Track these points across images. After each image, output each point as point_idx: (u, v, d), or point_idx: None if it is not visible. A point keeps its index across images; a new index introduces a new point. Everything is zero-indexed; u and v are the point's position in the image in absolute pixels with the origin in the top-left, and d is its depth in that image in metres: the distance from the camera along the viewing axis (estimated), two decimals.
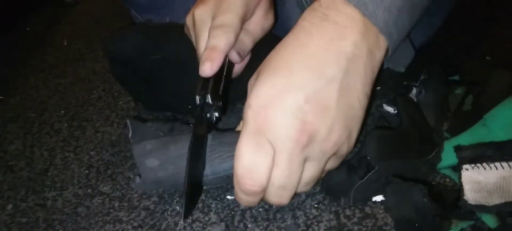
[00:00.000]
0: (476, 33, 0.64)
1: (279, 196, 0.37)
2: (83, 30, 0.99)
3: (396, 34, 0.37)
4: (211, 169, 0.43)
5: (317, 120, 0.34)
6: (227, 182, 0.43)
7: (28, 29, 1.04)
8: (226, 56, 0.46)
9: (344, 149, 0.38)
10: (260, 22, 0.49)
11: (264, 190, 0.36)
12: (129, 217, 0.50)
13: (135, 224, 0.49)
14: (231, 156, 0.40)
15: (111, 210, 0.51)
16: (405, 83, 0.54)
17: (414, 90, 0.53)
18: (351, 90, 0.36)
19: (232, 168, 0.38)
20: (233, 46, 0.44)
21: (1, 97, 0.77)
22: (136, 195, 0.53)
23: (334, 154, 0.37)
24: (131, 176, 0.55)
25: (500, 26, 0.65)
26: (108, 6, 1.08)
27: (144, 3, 0.67)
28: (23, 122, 0.70)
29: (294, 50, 0.36)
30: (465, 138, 0.46)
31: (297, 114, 0.34)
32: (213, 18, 0.45)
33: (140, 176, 0.45)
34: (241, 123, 0.40)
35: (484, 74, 0.52)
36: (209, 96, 0.42)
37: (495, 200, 0.41)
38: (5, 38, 1.00)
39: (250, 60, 0.53)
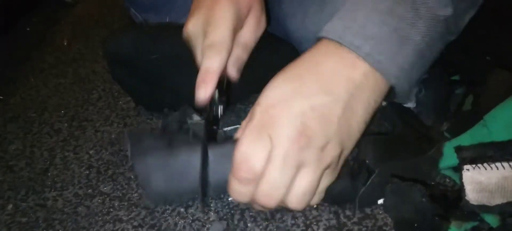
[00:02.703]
0: (476, 33, 0.64)
1: (267, 195, 0.38)
2: (83, 30, 0.99)
3: (407, 86, 0.40)
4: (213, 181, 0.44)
5: (317, 128, 0.36)
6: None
7: (28, 29, 1.04)
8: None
9: (334, 165, 0.39)
10: (253, 31, 0.50)
11: (256, 181, 0.37)
12: (129, 217, 0.50)
13: (135, 223, 0.49)
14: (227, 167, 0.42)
15: (111, 210, 0.51)
16: None
17: (414, 90, 0.53)
18: (353, 113, 0.38)
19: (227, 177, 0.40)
20: (226, 63, 0.46)
21: (1, 97, 0.77)
22: (136, 195, 0.53)
23: (328, 167, 0.39)
24: (132, 177, 0.55)
25: (500, 26, 0.65)
26: (108, 6, 1.08)
27: (144, 2, 0.67)
28: (23, 122, 0.70)
29: (308, 66, 0.39)
30: (466, 138, 0.46)
31: (300, 118, 0.36)
32: (204, 33, 0.46)
33: (147, 194, 0.45)
34: (243, 123, 0.42)
35: (484, 74, 0.52)
36: (217, 91, 0.45)
37: (497, 200, 0.41)
38: (5, 38, 1.00)
39: (248, 60, 0.53)
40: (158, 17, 0.65)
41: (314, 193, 0.39)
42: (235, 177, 0.38)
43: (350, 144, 0.40)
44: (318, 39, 0.41)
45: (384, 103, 0.53)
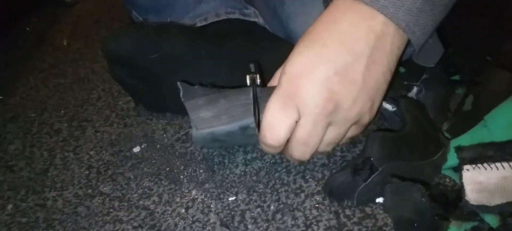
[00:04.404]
0: (476, 33, 0.64)
1: (300, 151, 0.42)
2: (83, 30, 0.99)
3: (419, 32, 0.40)
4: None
5: (343, 90, 0.38)
6: None
7: (28, 29, 1.03)
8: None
9: (366, 119, 0.42)
10: None
11: (282, 146, 0.41)
12: (129, 217, 0.50)
13: (135, 224, 0.49)
14: None
15: (111, 210, 0.51)
16: (405, 82, 0.54)
17: (415, 89, 0.53)
18: (377, 65, 0.39)
19: None
20: None
21: (1, 97, 0.77)
22: (136, 195, 0.53)
23: (356, 122, 0.41)
24: (131, 177, 0.55)
25: (500, 26, 0.65)
26: (108, 6, 1.08)
27: (146, 4, 0.66)
28: (23, 122, 0.70)
29: (328, 26, 0.40)
30: (466, 139, 0.46)
31: (326, 84, 0.38)
32: None
33: (196, 128, 0.46)
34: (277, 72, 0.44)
35: (484, 74, 0.52)
36: (258, 75, 0.46)
37: (497, 200, 0.41)
38: (5, 38, 1.00)
39: (263, 62, 0.53)
40: (159, 18, 0.65)
41: (340, 141, 0.42)
42: (262, 141, 0.41)
43: (379, 95, 0.41)
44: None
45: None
